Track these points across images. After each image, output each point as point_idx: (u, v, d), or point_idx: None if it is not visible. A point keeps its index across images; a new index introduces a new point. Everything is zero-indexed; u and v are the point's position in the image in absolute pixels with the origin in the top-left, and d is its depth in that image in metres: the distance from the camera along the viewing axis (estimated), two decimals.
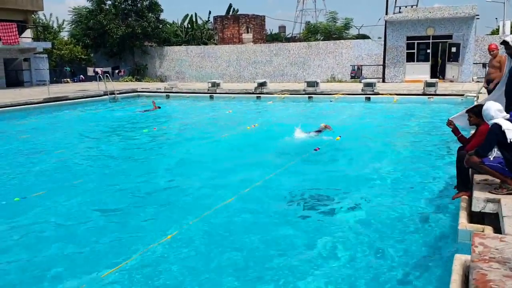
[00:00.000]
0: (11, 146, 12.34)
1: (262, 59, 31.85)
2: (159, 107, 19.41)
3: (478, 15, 25.48)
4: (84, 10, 35.66)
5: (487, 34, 34.90)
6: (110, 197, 7.56)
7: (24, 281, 4.81)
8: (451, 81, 25.30)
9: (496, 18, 60.04)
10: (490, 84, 10.24)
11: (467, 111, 5.91)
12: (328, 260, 5.13)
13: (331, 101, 20.39)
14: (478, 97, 15.80)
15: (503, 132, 4.91)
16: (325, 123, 12.90)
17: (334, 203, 6.96)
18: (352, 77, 28.32)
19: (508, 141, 4.89)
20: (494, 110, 5.09)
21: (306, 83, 22.44)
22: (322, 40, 34.38)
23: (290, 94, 22.08)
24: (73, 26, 37.24)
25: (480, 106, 5.70)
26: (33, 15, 32.93)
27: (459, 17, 24.99)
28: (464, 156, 5.75)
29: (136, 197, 7.52)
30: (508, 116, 5.15)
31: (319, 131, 12.45)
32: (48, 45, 30.60)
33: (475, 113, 5.73)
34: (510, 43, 5.82)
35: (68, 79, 33.65)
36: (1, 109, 18.14)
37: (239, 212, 6.63)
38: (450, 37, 25.62)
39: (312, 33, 37.81)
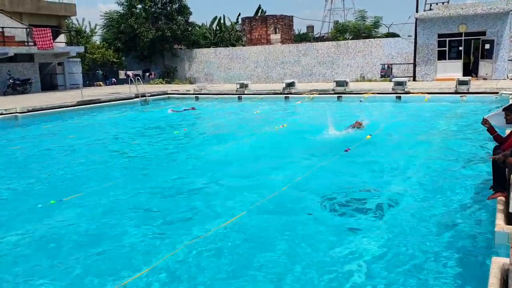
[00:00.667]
0: (45, 148, 12.71)
1: (290, 59, 31.80)
2: (194, 108, 20.43)
3: None
4: (115, 14, 36.42)
5: None
6: (143, 199, 7.69)
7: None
8: (485, 79, 24.66)
9: None
10: None
11: (504, 109, 5.76)
12: (362, 259, 5.09)
13: (360, 100, 20.19)
14: None
15: None
16: (359, 120, 13.23)
17: (366, 203, 6.90)
18: (382, 76, 27.96)
19: None
20: None
21: (335, 83, 22.28)
22: (351, 39, 34.06)
23: (319, 94, 21.97)
24: (105, 30, 38.13)
25: None
26: (66, 20, 33.84)
27: (493, 13, 24.33)
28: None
29: (168, 198, 7.63)
30: None
31: (353, 126, 12.78)
32: (81, 49, 31.37)
33: None
34: None
35: (101, 83, 34.42)
36: (36, 112, 18.69)
37: (271, 213, 6.65)
38: (483, 33, 24.98)
39: (340, 32, 37.51)
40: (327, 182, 8.12)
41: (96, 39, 39.77)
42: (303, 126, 14.95)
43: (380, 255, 5.20)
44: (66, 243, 5.89)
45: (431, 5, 28.14)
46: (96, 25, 40.55)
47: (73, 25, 37.80)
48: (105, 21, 37.63)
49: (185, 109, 20.07)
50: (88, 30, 40.15)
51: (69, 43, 31.79)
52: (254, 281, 4.77)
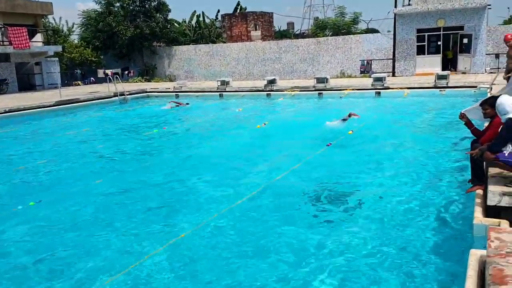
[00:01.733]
0: (25, 148, 12.46)
1: (271, 56, 31.76)
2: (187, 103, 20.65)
3: (489, 5, 25.08)
4: (93, 13, 35.89)
5: (499, 24, 34.41)
6: (121, 198, 7.58)
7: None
8: (463, 73, 24.98)
9: (508, 8, 59.26)
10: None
11: (482, 103, 5.79)
12: (341, 253, 5.08)
13: (341, 97, 20.27)
14: (491, 88, 15.55)
15: None
16: (352, 112, 13.85)
17: (346, 197, 6.92)
18: (361, 72, 28.10)
19: None
20: (509, 105, 4.98)
21: (315, 79, 22.32)
22: (331, 35, 34.17)
23: (300, 90, 21.99)
24: (83, 29, 37.55)
25: (496, 98, 5.59)
26: (43, 19, 33.20)
27: (470, 8, 24.64)
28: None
29: (147, 197, 7.53)
30: None
31: (344, 119, 13.29)
32: (58, 48, 30.86)
33: (491, 104, 5.61)
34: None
35: (79, 82, 33.93)
36: (14, 113, 18.32)
37: (250, 211, 6.61)
38: (461, 28, 25.29)
39: (320, 28, 37.61)
40: (308, 178, 8.11)
41: (74, 38, 39.18)
42: (285, 123, 14.95)
43: (358, 248, 5.20)
44: (44, 244, 5.77)
45: (410, 0, 28.37)
46: (73, 24, 39.89)
47: (50, 24, 37.13)
48: (83, 20, 37.05)
49: (179, 104, 20.34)
50: (65, 29, 39.51)
51: (46, 42, 31.24)
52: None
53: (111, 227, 6.27)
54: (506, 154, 4.97)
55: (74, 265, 5.18)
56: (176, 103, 20.57)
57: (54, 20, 38.71)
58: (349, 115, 13.60)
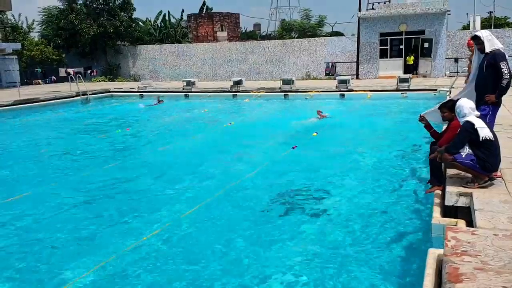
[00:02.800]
0: None
1: (237, 57, 31.74)
2: (162, 101, 21.16)
3: (449, 10, 25.91)
4: (55, 10, 34.94)
5: (458, 29, 35.55)
6: (81, 199, 7.38)
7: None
8: (424, 76, 25.67)
9: (467, 14, 61.27)
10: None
11: (441, 106, 5.95)
12: (300, 254, 5.11)
13: (306, 98, 20.46)
14: (451, 91, 16.03)
15: (476, 130, 4.96)
16: (319, 110, 14.83)
17: (307, 199, 6.98)
18: (326, 74, 28.46)
19: (480, 139, 4.95)
20: (467, 108, 5.13)
21: (281, 81, 22.45)
22: (297, 37, 34.48)
23: (266, 92, 22.07)
24: (44, 26, 36.47)
25: (455, 101, 5.77)
26: (0, 15, 32.08)
27: (431, 13, 25.35)
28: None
29: (107, 199, 7.37)
30: (479, 114, 5.20)
31: (318, 118, 14.36)
32: (17, 46, 29.87)
33: (449, 108, 5.78)
34: (481, 37, 5.85)
35: (40, 81, 32.95)
36: None
37: (211, 213, 6.56)
38: (422, 32, 25.98)
39: (286, 30, 37.93)
40: (272, 179, 8.12)
41: (34, 36, 38.02)
42: (251, 124, 14.96)
43: (318, 248, 5.24)
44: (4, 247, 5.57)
45: (373, 5, 28.96)
46: (34, 21, 38.70)
47: (9, 21, 35.90)
48: (43, 17, 36.00)
49: (154, 104, 20.57)
50: (25, 26, 38.28)
51: (4, 39, 30.19)
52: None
53: (60, 232, 6.10)
54: (463, 156, 5.11)
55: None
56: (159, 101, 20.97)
57: (13, 16, 37.52)
58: (318, 113, 14.59)
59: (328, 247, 5.31)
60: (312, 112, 14.92)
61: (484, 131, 4.97)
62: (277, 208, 6.65)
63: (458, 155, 5.13)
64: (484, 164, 5.02)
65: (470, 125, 5.00)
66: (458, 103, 5.29)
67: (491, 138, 5.00)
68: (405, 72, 25.26)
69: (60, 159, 10.72)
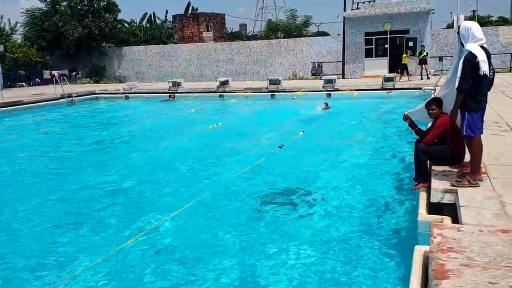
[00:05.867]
0: None
1: (223, 57, 31.68)
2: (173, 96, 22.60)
3: (433, 9, 26.15)
4: (38, 11, 34.47)
5: (442, 28, 35.91)
6: (64, 204, 7.30)
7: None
8: (409, 75, 25.83)
9: (451, 12, 61.81)
10: None
11: (428, 104, 5.98)
12: (287, 252, 5.11)
13: (293, 98, 20.51)
14: (435, 90, 16.18)
15: (477, 63, 4.87)
16: (325, 102, 16.86)
17: (294, 197, 6.98)
18: (313, 74, 28.54)
19: (481, 73, 4.86)
20: (477, 29, 5.04)
21: (268, 81, 22.47)
22: (283, 37, 34.52)
23: (253, 92, 22.07)
24: (27, 28, 35.97)
25: (440, 98, 5.82)
26: None
27: (415, 12, 25.56)
28: (421, 149, 5.86)
29: (91, 202, 7.29)
30: (484, 40, 5.07)
31: (326, 108, 16.34)
32: (0, 48, 29.43)
33: (437, 104, 5.84)
34: (460, 30, 5.69)
35: (23, 83, 32.52)
36: None
37: (198, 215, 6.53)
38: (407, 31, 26.18)
39: (272, 31, 37.92)
40: (259, 179, 8.12)
41: (17, 38, 37.50)
42: (238, 124, 14.94)
43: (305, 246, 5.25)
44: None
45: (358, 4, 29.11)
46: (16, 22, 38.16)
47: None
48: (26, 19, 35.47)
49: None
50: (7, 28, 37.76)
51: None
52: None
53: (46, 232, 6.03)
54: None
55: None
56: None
57: None
58: (325, 104, 16.38)
59: (315, 245, 5.31)
60: (300, 111, 14.98)
61: (485, 66, 4.88)
62: (262, 208, 6.63)
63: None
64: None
65: (472, 57, 4.90)
66: (467, 24, 5.14)
67: (488, 76, 4.95)
68: (391, 71, 25.28)
69: (44, 161, 10.58)
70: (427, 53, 23.08)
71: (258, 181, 8.03)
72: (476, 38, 5.02)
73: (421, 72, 23.00)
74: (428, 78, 22.68)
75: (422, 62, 22.88)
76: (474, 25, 5.09)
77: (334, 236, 5.55)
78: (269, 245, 5.39)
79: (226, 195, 7.33)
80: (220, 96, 22.30)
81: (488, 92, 5.31)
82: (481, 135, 5.22)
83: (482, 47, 5.01)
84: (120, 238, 5.71)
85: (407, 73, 23.39)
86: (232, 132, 13.23)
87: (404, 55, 23.59)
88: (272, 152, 10.11)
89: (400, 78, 22.37)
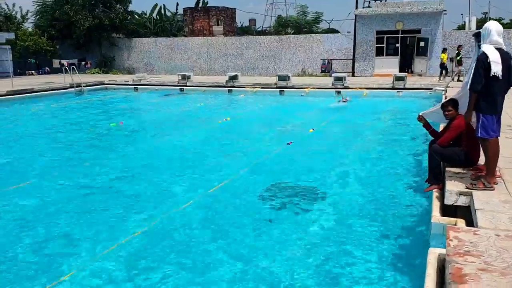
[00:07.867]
0: None
1: (233, 51, 31.60)
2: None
3: (445, 10, 25.93)
4: (49, 0, 34.53)
5: (453, 29, 35.64)
6: (72, 194, 7.30)
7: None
8: (420, 75, 25.69)
9: (462, 14, 61.55)
10: None
11: (445, 105, 5.91)
12: (291, 251, 5.07)
13: (302, 95, 20.42)
14: (446, 91, 16.06)
15: (489, 64, 4.81)
16: (345, 97, 17.87)
17: (303, 196, 6.93)
18: (322, 71, 28.42)
19: (491, 74, 4.80)
20: (495, 30, 4.96)
21: (277, 77, 22.38)
22: (293, 33, 34.38)
23: (262, 87, 21.99)
24: (38, 16, 36.04)
25: (456, 100, 5.76)
26: None
27: (428, 12, 25.36)
28: (436, 150, 5.80)
29: (98, 195, 7.28)
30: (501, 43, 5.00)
31: (343, 101, 17.55)
32: (11, 35, 29.44)
33: (453, 105, 5.78)
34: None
35: (33, 72, 32.61)
36: None
37: (206, 210, 6.51)
38: (418, 31, 25.98)
39: (282, 26, 37.82)
40: (267, 175, 8.06)
41: (28, 26, 37.57)
42: (247, 119, 14.89)
43: (315, 246, 5.21)
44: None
45: (369, 3, 28.94)
46: (28, 11, 38.19)
47: (2, 10, 35.46)
48: (37, 8, 35.54)
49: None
50: (19, 16, 37.83)
51: None
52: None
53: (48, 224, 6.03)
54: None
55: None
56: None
57: (7, 5, 37.07)
58: (344, 100, 17.36)
59: (325, 246, 5.27)
60: (310, 108, 14.90)
61: (497, 67, 4.82)
62: (271, 204, 6.59)
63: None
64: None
65: (484, 57, 4.85)
66: (489, 24, 5.07)
67: (499, 76, 4.85)
68: (401, 71, 25.10)
69: (53, 149, 10.60)
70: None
71: (264, 177, 7.97)
72: (492, 40, 4.95)
73: (457, 73, 21.43)
74: (459, 80, 21.44)
75: (459, 63, 21.70)
76: (493, 27, 5.02)
77: (343, 236, 5.49)
78: (277, 240, 5.35)
79: (234, 190, 7.29)
80: (229, 90, 22.23)
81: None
82: (498, 138, 5.15)
83: (499, 49, 4.93)
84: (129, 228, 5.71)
85: (446, 73, 22.32)
86: (240, 127, 13.20)
87: (444, 54, 22.42)
88: (280, 149, 10.06)
89: (440, 79, 21.71)
